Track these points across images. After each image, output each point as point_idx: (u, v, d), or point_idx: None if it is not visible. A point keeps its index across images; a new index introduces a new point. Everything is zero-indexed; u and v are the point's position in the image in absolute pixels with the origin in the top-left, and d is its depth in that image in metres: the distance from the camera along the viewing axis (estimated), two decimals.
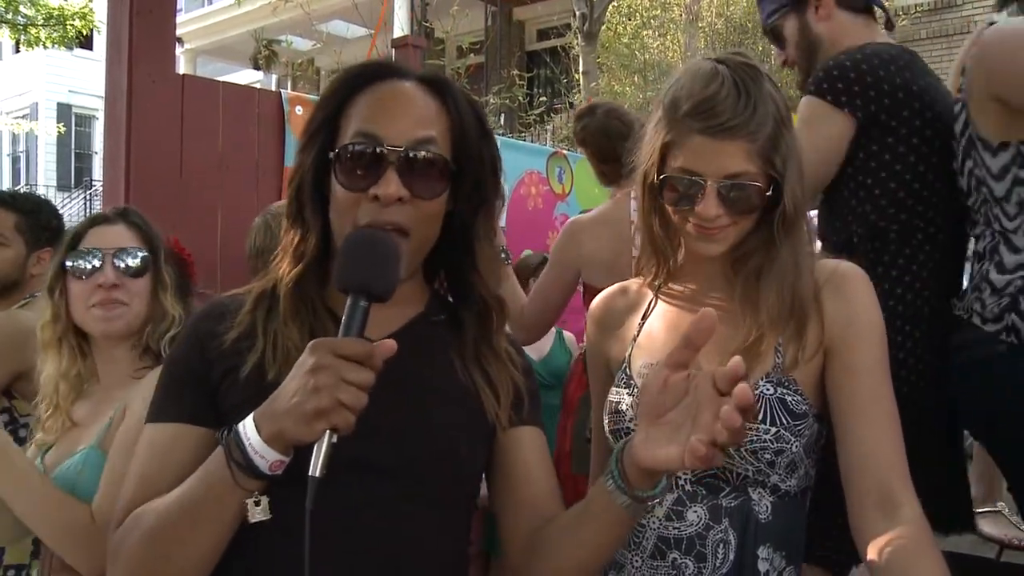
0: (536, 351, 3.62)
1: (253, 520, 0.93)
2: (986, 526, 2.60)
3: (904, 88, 1.77)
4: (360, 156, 1.01)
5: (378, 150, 1.00)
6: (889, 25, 2.00)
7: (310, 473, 0.87)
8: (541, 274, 2.71)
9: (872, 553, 1.08)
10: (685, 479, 1.21)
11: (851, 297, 1.20)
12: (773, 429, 1.15)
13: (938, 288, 1.80)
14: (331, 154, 1.04)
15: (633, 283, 1.41)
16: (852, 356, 1.18)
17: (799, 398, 1.18)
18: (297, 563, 0.87)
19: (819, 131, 1.78)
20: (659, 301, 1.34)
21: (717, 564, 1.17)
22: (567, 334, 3.84)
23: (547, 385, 3.58)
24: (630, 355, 1.31)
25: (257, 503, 0.93)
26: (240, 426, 0.92)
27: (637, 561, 1.22)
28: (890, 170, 1.78)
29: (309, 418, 0.87)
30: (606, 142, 2.51)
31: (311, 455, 0.88)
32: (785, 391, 1.17)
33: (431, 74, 1.09)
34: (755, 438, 1.15)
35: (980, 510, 2.56)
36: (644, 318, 1.34)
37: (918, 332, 1.77)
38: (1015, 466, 1.76)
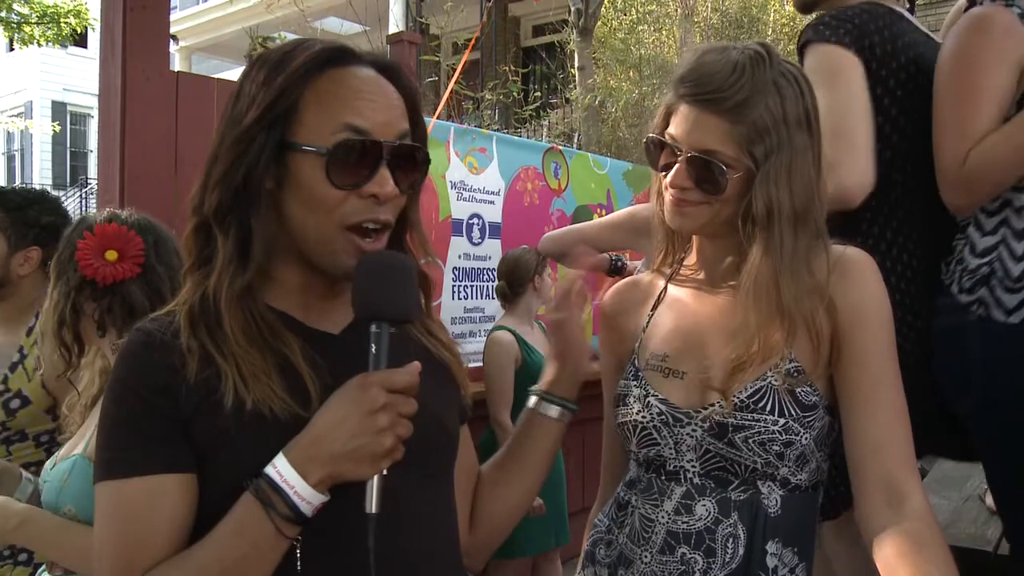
0: (544, 350, 3.62)
1: (300, 569, 0.90)
2: (991, 498, 2.60)
3: (892, 41, 1.77)
4: (357, 153, 0.95)
5: (375, 146, 0.96)
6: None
7: (368, 511, 0.88)
8: None
9: (878, 544, 1.08)
10: (694, 472, 1.21)
11: (858, 285, 1.19)
12: (781, 420, 1.14)
13: (921, 247, 1.79)
14: (308, 147, 0.95)
15: (645, 276, 1.40)
16: (859, 346, 1.17)
17: (808, 389, 1.17)
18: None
19: (842, 78, 1.71)
20: (669, 291, 1.33)
21: (726, 559, 1.16)
22: None
23: None
24: (638, 346, 1.31)
25: (299, 551, 0.90)
26: (273, 476, 0.87)
27: (647, 556, 1.21)
28: (876, 128, 1.74)
29: (377, 459, 0.88)
30: None
31: None
32: (794, 382, 1.16)
33: (386, 61, 1.04)
34: (763, 429, 1.14)
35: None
36: (653, 309, 1.33)
37: (906, 293, 1.78)
38: (983, 439, 1.77)
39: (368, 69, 1.00)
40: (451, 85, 5.02)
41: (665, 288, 1.34)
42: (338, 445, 0.87)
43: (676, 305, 1.31)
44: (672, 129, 1.20)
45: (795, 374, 1.17)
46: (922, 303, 1.78)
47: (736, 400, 1.16)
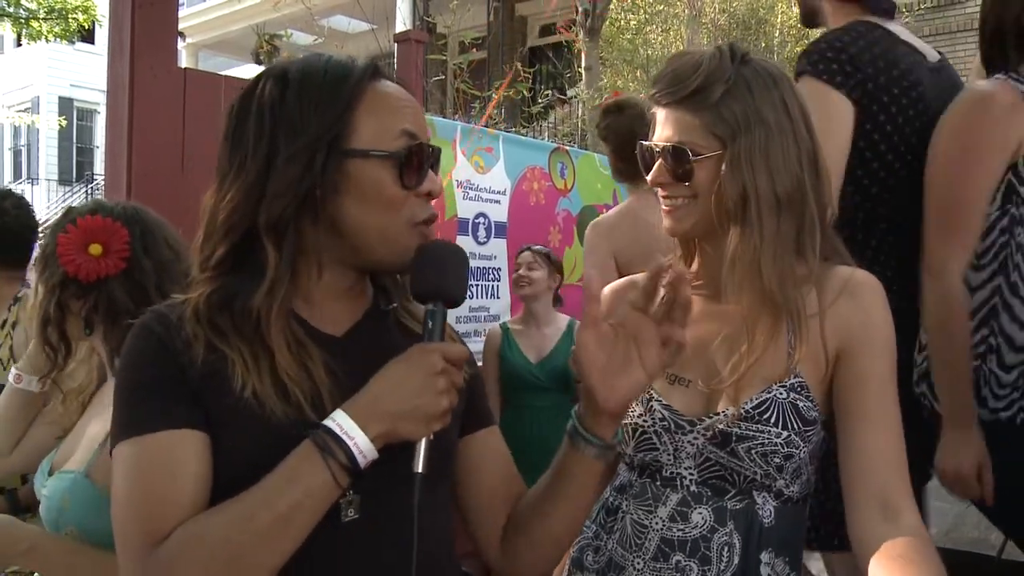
0: (536, 352, 3.55)
1: (345, 519, 0.96)
2: None
3: (887, 72, 1.74)
4: (419, 157, 1.03)
5: (429, 149, 1.05)
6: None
7: (416, 470, 0.94)
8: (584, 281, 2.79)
9: (871, 561, 1.07)
10: (691, 480, 1.21)
11: (866, 306, 1.19)
12: (784, 433, 1.15)
13: (904, 280, 1.78)
14: (378, 152, 1.00)
15: (643, 276, 1.39)
16: (863, 364, 1.17)
17: (810, 404, 1.17)
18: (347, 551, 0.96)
19: (824, 121, 1.67)
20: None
21: (721, 568, 1.16)
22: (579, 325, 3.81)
23: (542, 388, 3.48)
24: None
25: (350, 502, 0.96)
26: (333, 427, 0.91)
27: (639, 563, 1.21)
28: (860, 156, 1.75)
29: (432, 419, 0.94)
30: (629, 140, 2.57)
31: None
32: (798, 396, 1.17)
33: (401, 79, 1.11)
34: (766, 441, 1.15)
35: None
36: None
37: None
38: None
39: (395, 83, 1.08)
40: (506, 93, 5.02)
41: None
42: (399, 403, 0.93)
43: None
44: (653, 134, 1.25)
45: (798, 388, 1.18)
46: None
47: (742, 410, 1.17)
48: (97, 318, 1.52)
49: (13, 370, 1.74)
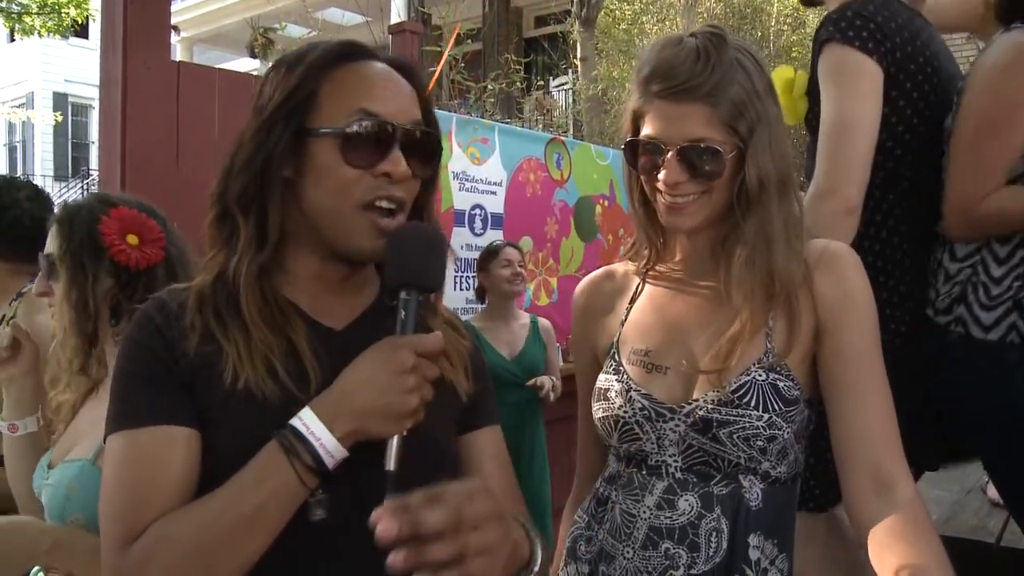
0: (508, 348, 3.55)
1: (314, 519, 0.93)
2: (992, 491, 2.60)
3: (911, 42, 1.74)
4: (371, 134, 0.98)
5: (388, 128, 0.99)
6: None
7: (387, 468, 0.90)
8: None
9: (868, 534, 1.08)
10: (676, 467, 1.20)
11: (843, 277, 1.19)
12: (765, 416, 1.15)
13: (920, 237, 1.79)
14: (325, 130, 0.98)
15: (619, 267, 1.40)
16: (844, 336, 1.17)
17: (791, 383, 1.17)
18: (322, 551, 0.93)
19: (858, 85, 1.71)
20: (647, 285, 1.33)
21: (710, 553, 1.16)
22: (542, 322, 3.73)
23: (517, 383, 3.46)
24: (618, 340, 1.30)
25: (319, 502, 0.93)
26: (299, 427, 0.89)
27: (628, 552, 1.20)
28: (886, 122, 1.74)
29: (402, 417, 0.91)
30: None
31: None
32: (777, 376, 1.16)
33: (400, 59, 1.08)
34: (747, 424, 1.14)
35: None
36: (632, 302, 1.33)
37: (896, 282, 1.78)
38: (987, 459, 1.78)
39: (382, 64, 1.04)
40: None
41: (643, 282, 1.34)
42: (367, 401, 0.90)
43: (656, 300, 1.30)
44: (649, 130, 1.19)
45: (777, 368, 1.17)
46: (915, 301, 1.78)
47: (720, 395, 1.16)
48: (127, 307, 1.53)
49: (3, 423, 1.70)
